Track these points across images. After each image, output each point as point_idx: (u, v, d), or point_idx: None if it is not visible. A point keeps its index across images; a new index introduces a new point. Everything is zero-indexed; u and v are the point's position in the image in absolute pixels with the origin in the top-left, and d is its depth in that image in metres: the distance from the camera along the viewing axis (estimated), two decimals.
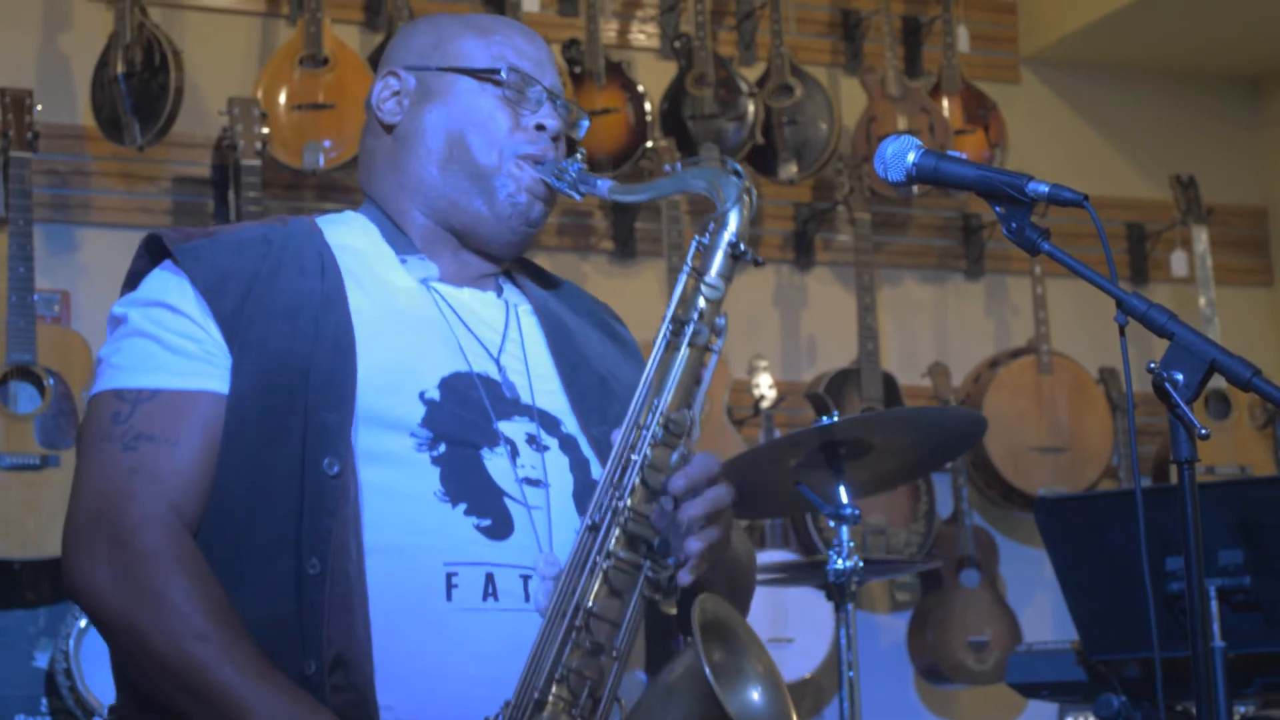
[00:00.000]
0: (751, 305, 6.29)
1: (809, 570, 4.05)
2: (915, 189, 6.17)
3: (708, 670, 2.00)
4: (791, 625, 5.52)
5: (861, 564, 3.81)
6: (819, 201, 6.40)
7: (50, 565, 5.02)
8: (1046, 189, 2.28)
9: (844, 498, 3.81)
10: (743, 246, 2.23)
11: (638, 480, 2.14)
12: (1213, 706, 2.26)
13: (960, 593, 6.03)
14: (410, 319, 2.32)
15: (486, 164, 2.36)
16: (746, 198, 2.25)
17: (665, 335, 2.21)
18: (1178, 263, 6.62)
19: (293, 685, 2.09)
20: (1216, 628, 3.52)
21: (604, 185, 2.33)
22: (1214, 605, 3.55)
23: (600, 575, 2.12)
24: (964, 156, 2.35)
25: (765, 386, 5.88)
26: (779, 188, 6.31)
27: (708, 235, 2.24)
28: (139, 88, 5.39)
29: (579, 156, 2.37)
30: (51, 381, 5.14)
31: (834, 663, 5.51)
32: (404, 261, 2.37)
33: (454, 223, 2.39)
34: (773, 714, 2.11)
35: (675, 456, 2.16)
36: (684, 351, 2.20)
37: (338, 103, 5.55)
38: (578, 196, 2.36)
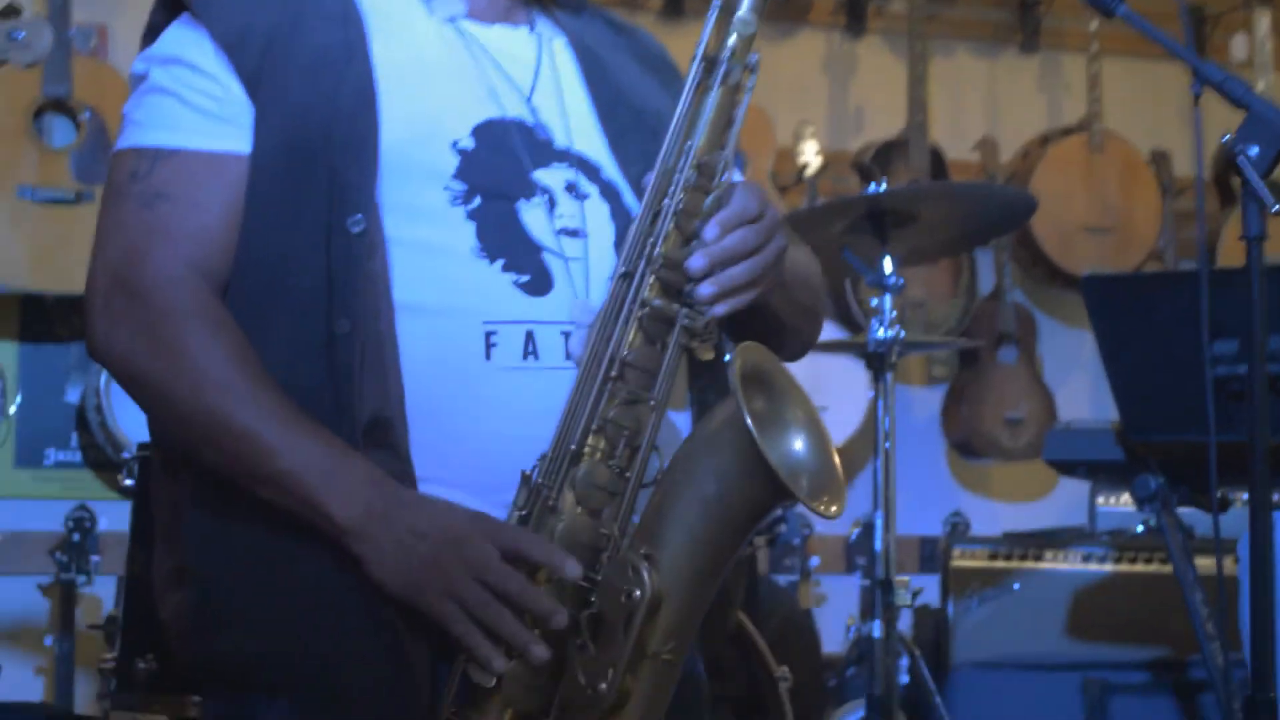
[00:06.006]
0: (799, 72, 6.18)
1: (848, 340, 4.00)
2: None
3: (749, 420, 1.95)
4: (826, 393, 5.48)
5: (903, 335, 3.75)
6: None
7: (82, 301, 4.99)
8: None
9: (888, 267, 3.75)
10: None
11: (671, 226, 2.07)
12: (1266, 490, 2.22)
13: (998, 369, 5.99)
14: (438, 65, 2.21)
15: None
16: None
17: (696, 75, 2.12)
18: (1237, 46, 6.48)
19: (324, 429, 2.03)
20: None
21: None
22: None
23: (635, 324, 2.05)
24: None
25: (810, 154, 5.78)
26: None
27: None
28: None
29: None
30: (87, 115, 5.08)
31: (867, 432, 5.50)
32: (428, 1, 2.28)
33: None
34: (815, 462, 2.06)
35: (709, 200, 2.09)
36: (715, 92, 2.10)
37: None
38: None
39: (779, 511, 2.05)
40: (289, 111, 2.12)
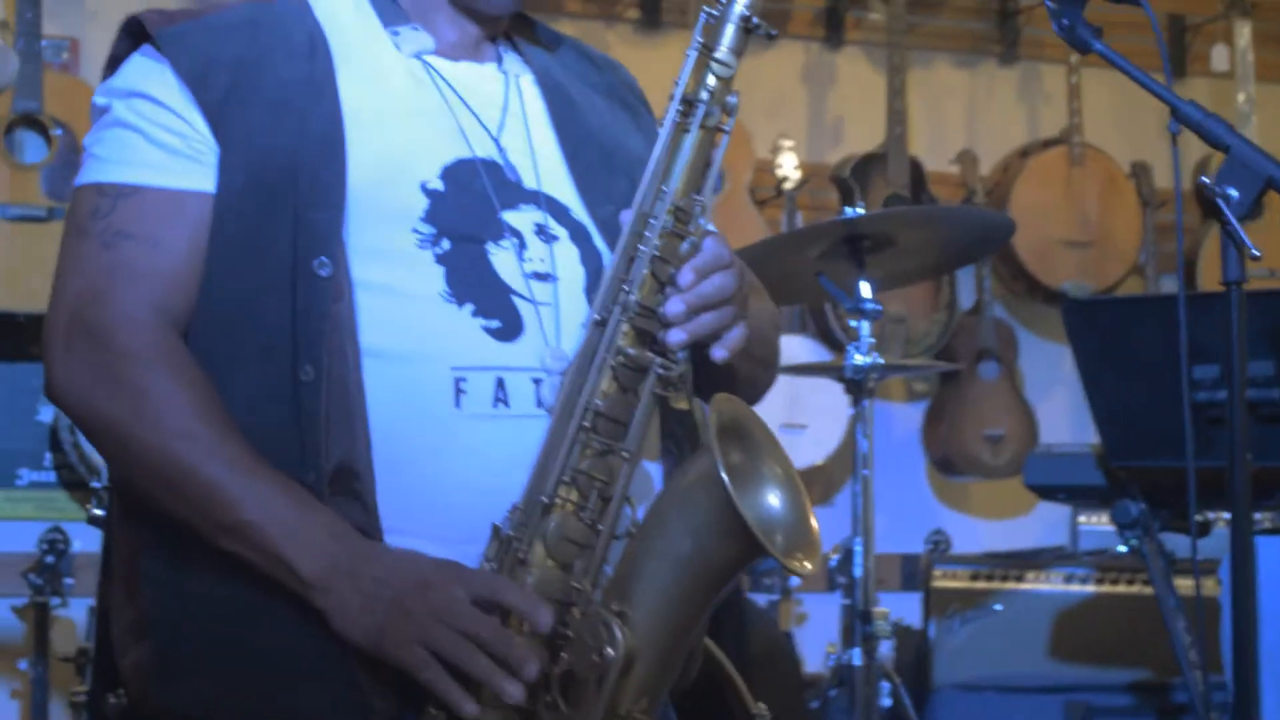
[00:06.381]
0: (778, 83, 6.13)
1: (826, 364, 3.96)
2: None
3: (725, 477, 1.91)
4: (805, 411, 5.45)
5: (881, 361, 3.71)
6: None
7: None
8: None
9: (865, 292, 3.71)
10: (755, 19, 2.08)
11: (646, 272, 2.03)
12: (1247, 518, 2.20)
13: (978, 385, 5.95)
14: (406, 104, 2.17)
15: None
16: None
17: (674, 117, 2.08)
18: (1218, 57, 6.43)
19: (287, 479, 1.99)
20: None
21: None
22: None
23: (608, 373, 2.02)
24: None
25: (789, 167, 5.73)
26: None
27: (718, 6, 2.10)
28: None
29: None
30: (59, 132, 5.02)
31: (847, 450, 5.47)
32: (395, 34, 2.22)
33: None
34: (790, 517, 2.03)
35: (685, 245, 2.05)
36: (694, 133, 2.07)
37: None
38: None
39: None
40: (254, 150, 2.08)
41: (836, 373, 3.84)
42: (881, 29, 6.09)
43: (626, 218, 2.07)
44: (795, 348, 5.38)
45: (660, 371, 2.03)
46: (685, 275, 2.03)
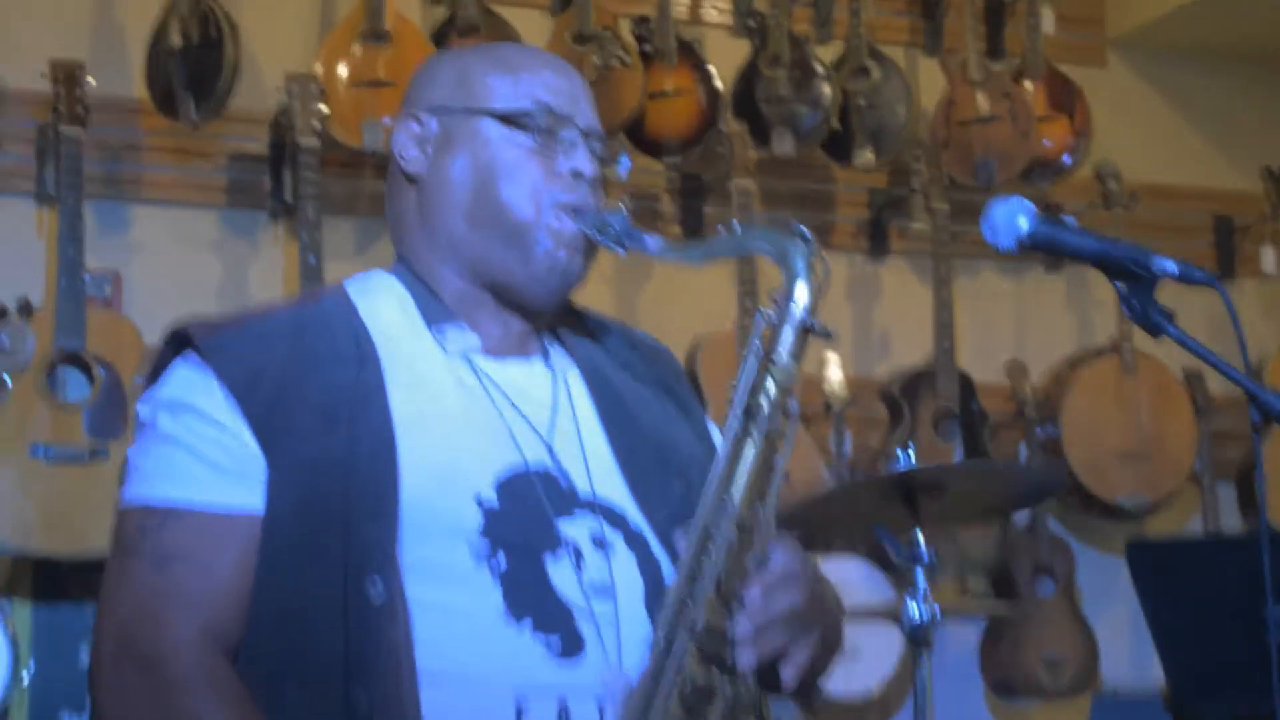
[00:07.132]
0: (822, 296, 6.06)
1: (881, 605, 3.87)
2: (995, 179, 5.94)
3: None
4: (858, 636, 5.32)
5: (939, 615, 3.60)
6: (895, 188, 6.17)
7: (98, 563, 4.86)
8: (1175, 268, 2.12)
9: (920, 542, 3.61)
10: (814, 322, 2.05)
11: (711, 591, 1.96)
12: None
13: (1035, 604, 5.79)
14: (456, 410, 2.13)
15: (521, 217, 2.17)
16: (817, 267, 2.07)
17: (735, 429, 2.02)
18: (1267, 259, 6.37)
19: None
20: None
21: (653, 243, 2.14)
22: None
23: (675, 699, 1.95)
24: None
25: (836, 383, 5.64)
26: (853, 174, 6.08)
27: (774, 310, 2.05)
28: (194, 61, 5.23)
29: (622, 206, 2.18)
30: (101, 370, 4.98)
31: (903, 674, 5.34)
32: (441, 333, 2.18)
33: (488, 281, 2.20)
34: None
35: (750, 559, 1.98)
36: (756, 443, 2.02)
37: (399, 80, 5.34)
38: (621, 253, 2.16)
39: None
40: (303, 463, 2.03)
41: (894, 620, 3.74)
42: (925, 238, 6.03)
43: (684, 537, 2.01)
44: (850, 574, 5.27)
45: (727, 694, 1.96)
46: (753, 594, 1.96)
